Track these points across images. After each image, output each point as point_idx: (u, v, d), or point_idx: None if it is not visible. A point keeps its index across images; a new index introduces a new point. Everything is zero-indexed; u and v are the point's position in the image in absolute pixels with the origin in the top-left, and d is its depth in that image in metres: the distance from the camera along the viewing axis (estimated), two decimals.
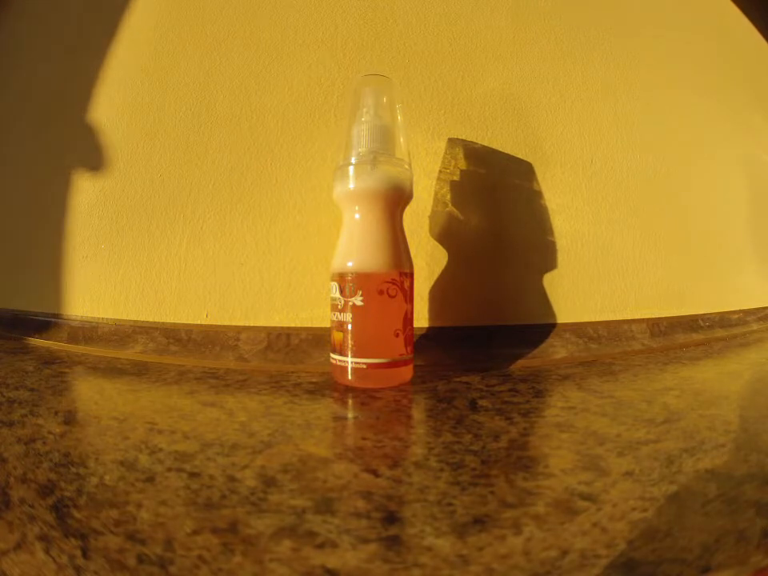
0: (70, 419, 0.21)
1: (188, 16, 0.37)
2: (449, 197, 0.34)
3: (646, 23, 0.45)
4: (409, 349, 0.26)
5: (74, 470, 0.16)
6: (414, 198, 0.28)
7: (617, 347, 0.37)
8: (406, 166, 0.27)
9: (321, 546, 0.12)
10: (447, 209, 0.34)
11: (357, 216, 0.26)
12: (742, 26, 0.59)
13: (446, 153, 0.34)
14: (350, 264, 0.25)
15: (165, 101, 0.36)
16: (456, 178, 0.35)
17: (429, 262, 0.34)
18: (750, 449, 0.18)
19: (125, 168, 0.38)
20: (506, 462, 0.16)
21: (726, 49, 0.55)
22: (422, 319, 0.33)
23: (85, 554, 0.11)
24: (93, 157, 0.39)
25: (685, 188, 0.46)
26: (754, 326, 0.51)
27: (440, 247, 0.34)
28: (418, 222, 0.34)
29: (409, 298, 0.27)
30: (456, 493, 0.14)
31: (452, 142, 0.35)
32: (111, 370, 0.30)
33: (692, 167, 0.47)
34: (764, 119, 0.60)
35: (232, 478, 0.15)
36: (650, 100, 0.44)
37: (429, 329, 0.33)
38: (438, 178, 0.34)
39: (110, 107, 0.39)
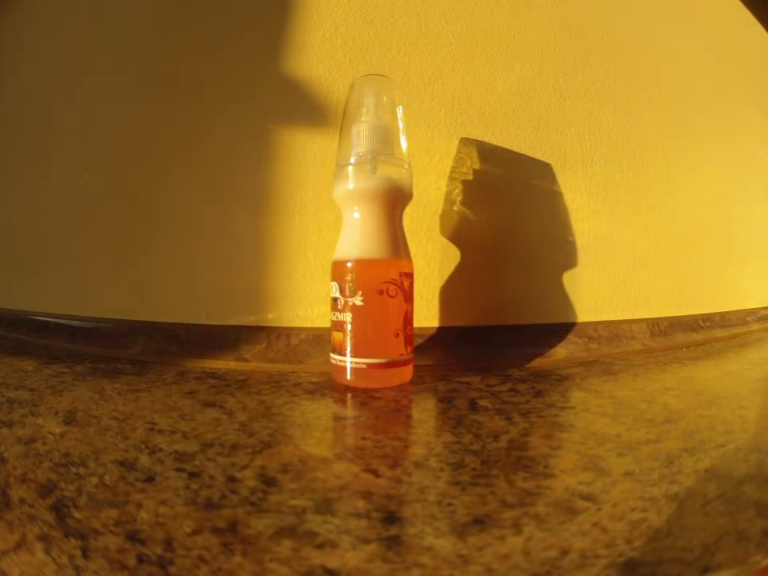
0: (69, 419, 0.21)
1: (186, 15, 0.36)
2: (453, 195, 0.34)
3: (647, 22, 0.45)
4: (409, 349, 0.26)
5: (74, 469, 0.16)
6: (421, 197, 0.28)
7: (617, 347, 0.37)
8: (406, 166, 0.27)
9: (321, 546, 0.12)
10: (455, 207, 0.34)
11: (356, 215, 0.26)
12: (747, 23, 0.59)
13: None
14: (349, 264, 0.25)
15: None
16: (460, 176, 0.35)
17: (429, 261, 0.34)
18: (750, 449, 0.18)
19: (121, 166, 0.38)
20: (505, 461, 0.16)
21: (728, 47, 0.55)
22: (421, 319, 0.33)
23: (85, 554, 0.11)
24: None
25: (685, 188, 0.46)
26: (754, 326, 0.51)
27: (445, 247, 0.34)
28: (418, 221, 0.34)
29: (409, 297, 0.26)
30: (456, 493, 0.14)
31: (449, 141, 0.35)
32: (111, 370, 0.30)
33: (692, 167, 0.47)
34: (766, 118, 0.60)
35: (232, 478, 0.15)
36: (650, 99, 0.44)
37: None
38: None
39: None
